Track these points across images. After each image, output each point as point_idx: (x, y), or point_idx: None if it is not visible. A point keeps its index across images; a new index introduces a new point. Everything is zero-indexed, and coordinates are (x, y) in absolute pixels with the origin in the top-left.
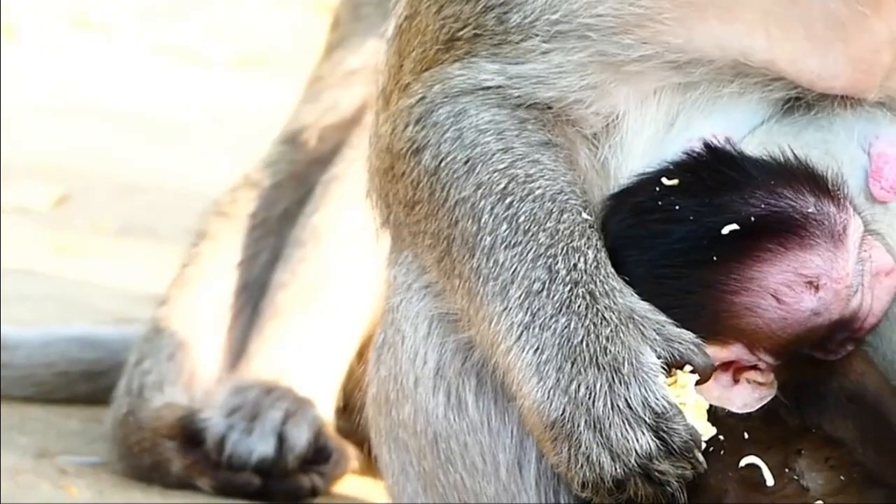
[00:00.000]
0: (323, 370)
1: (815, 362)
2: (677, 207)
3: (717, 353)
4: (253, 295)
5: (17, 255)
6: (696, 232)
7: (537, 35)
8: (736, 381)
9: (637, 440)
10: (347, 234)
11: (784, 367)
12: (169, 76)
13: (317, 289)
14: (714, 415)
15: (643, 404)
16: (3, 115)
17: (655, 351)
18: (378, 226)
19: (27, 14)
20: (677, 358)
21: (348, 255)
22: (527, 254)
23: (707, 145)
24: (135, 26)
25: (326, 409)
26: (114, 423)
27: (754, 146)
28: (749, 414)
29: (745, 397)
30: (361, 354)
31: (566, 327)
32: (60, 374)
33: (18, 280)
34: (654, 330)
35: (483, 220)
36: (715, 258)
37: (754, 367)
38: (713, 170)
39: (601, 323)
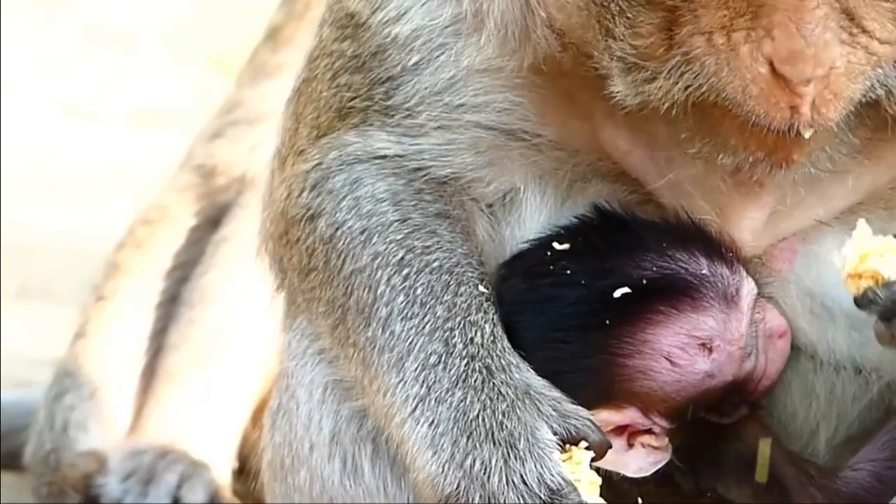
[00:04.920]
0: (218, 433)
1: (709, 426)
2: (569, 272)
3: (612, 417)
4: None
5: None
6: (587, 296)
7: (422, 113)
8: (630, 445)
9: None
10: (238, 295)
11: (679, 431)
12: (64, 133)
13: (207, 351)
14: (608, 479)
15: (538, 480)
16: None
17: (551, 427)
18: (273, 289)
19: None
20: (573, 434)
21: (239, 317)
22: (423, 326)
23: (597, 208)
24: (29, 82)
25: (222, 472)
26: (34, 457)
27: (649, 209)
28: (643, 478)
29: (640, 461)
30: (256, 419)
31: (462, 401)
32: None
33: None
34: (551, 406)
35: (379, 291)
36: (607, 321)
37: (649, 431)
38: (604, 233)
39: (497, 398)
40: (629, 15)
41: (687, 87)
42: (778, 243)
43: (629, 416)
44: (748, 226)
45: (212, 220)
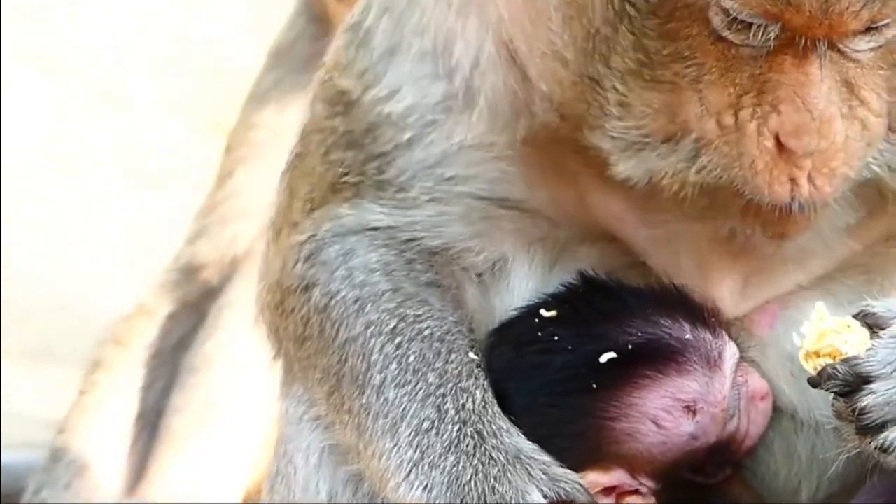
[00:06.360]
0: (219, 495)
1: (695, 486)
2: (556, 338)
3: (599, 478)
4: (149, 422)
5: None
6: (574, 361)
7: (414, 187)
8: None
9: None
10: (240, 359)
11: (665, 492)
12: (65, 193)
13: (211, 414)
14: None
15: None
16: None
17: (541, 490)
18: (270, 358)
19: None
20: (563, 497)
21: (241, 381)
22: (416, 393)
23: (583, 276)
24: (30, 143)
25: None
26: None
27: (637, 273)
28: None
29: None
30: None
31: (455, 466)
32: None
33: None
34: (541, 469)
35: (373, 359)
36: (594, 386)
37: (636, 492)
38: (589, 300)
39: (489, 462)
40: (624, 93)
41: (700, 171)
42: (759, 308)
43: (616, 477)
44: (729, 285)
45: (192, 305)
